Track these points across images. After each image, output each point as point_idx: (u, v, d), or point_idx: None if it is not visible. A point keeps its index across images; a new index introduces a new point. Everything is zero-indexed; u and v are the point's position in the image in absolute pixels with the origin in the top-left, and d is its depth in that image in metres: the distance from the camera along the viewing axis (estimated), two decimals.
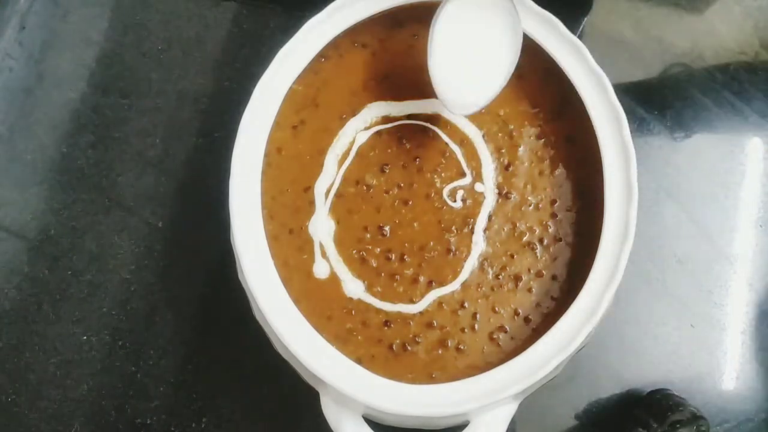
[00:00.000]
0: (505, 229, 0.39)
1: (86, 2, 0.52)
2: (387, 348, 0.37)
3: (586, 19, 0.49)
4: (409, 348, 0.37)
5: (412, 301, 0.37)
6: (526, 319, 0.37)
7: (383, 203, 0.39)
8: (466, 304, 0.37)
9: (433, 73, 0.37)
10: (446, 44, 0.37)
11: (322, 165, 0.39)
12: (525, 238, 0.38)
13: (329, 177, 0.39)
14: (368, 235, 0.38)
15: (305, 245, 0.38)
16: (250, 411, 0.43)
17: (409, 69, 0.41)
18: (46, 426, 0.43)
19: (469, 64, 0.38)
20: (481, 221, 0.39)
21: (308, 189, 0.39)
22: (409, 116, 0.40)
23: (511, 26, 0.37)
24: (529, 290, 0.38)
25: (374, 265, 0.38)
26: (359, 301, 0.37)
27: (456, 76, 0.38)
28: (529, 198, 0.39)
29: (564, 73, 0.39)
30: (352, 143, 0.40)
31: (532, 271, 0.38)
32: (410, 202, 0.39)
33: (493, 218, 0.39)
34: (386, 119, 0.40)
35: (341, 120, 0.40)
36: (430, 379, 0.36)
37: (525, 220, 0.39)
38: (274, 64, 0.39)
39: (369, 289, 0.38)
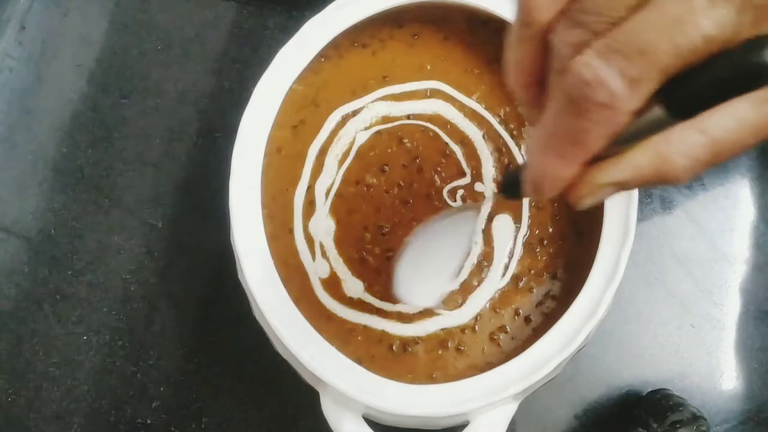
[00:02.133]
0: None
1: (86, 2, 0.52)
2: (387, 348, 0.37)
3: None
4: (409, 348, 0.37)
5: None
6: (527, 319, 0.37)
7: (383, 203, 0.39)
8: (466, 304, 0.37)
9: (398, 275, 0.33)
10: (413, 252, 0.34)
11: (322, 165, 0.39)
12: (525, 238, 0.38)
13: (329, 177, 0.39)
14: (368, 235, 0.38)
15: (305, 245, 0.38)
16: (250, 411, 0.43)
17: (408, 69, 0.41)
18: (46, 426, 0.43)
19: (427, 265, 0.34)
20: (481, 221, 0.38)
21: (308, 189, 0.39)
22: (409, 116, 0.40)
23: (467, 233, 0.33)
24: (530, 290, 0.38)
25: (374, 264, 0.38)
26: (359, 300, 0.37)
27: (417, 277, 0.33)
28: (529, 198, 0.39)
29: None
30: (352, 143, 0.40)
31: (532, 271, 0.38)
32: (410, 202, 0.39)
33: (493, 218, 0.39)
34: (386, 119, 0.40)
35: (341, 120, 0.40)
36: (430, 379, 0.36)
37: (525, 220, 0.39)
38: (274, 64, 0.39)
39: (369, 288, 0.38)
